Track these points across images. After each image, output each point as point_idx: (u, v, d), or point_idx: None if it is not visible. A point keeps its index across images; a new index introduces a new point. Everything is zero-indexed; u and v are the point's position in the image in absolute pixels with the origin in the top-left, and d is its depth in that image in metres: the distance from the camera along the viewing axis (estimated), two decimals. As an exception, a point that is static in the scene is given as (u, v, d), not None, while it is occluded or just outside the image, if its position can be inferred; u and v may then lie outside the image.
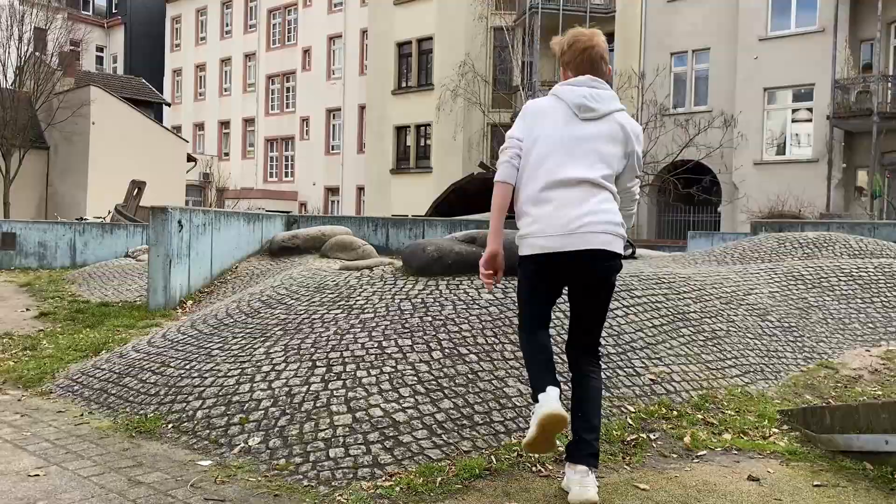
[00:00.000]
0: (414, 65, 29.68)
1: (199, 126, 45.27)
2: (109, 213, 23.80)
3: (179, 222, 5.87)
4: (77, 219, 25.11)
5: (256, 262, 7.24)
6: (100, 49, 50.93)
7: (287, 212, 20.31)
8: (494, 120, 27.36)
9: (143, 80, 33.82)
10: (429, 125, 28.95)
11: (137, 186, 19.79)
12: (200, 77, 45.24)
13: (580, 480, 2.69)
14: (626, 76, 24.43)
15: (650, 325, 4.28)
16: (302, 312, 3.98)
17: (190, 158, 31.04)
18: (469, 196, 16.92)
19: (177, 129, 46.25)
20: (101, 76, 33.01)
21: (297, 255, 7.27)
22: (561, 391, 2.73)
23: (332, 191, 38.29)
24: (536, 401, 2.73)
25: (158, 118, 42.32)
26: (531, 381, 2.83)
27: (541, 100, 2.98)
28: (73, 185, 27.74)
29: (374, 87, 31.22)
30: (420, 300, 3.92)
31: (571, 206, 2.77)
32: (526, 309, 2.93)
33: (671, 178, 23.05)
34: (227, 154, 43.17)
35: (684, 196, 23.65)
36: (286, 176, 40.69)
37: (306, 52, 39.34)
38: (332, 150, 38.37)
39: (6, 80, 27.05)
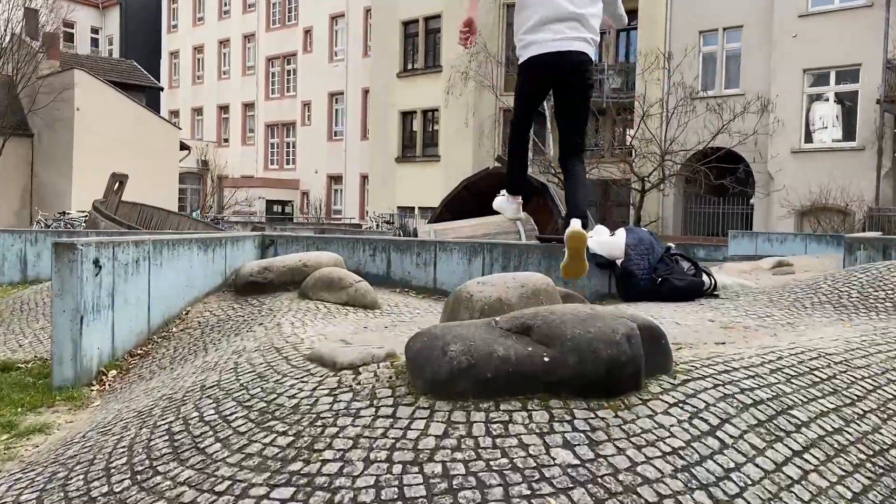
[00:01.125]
0: (421, 45, 27.75)
1: (198, 111, 43.44)
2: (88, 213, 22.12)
3: (96, 262, 4.10)
4: (59, 213, 23.43)
5: (216, 304, 5.46)
6: (94, 31, 49.05)
7: (261, 228, 18.55)
8: (508, 104, 25.41)
9: (135, 63, 31.99)
10: (436, 110, 27.07)
11: (118, 180, 18.06)
12: (198, 60, 43.36)
13: (574, 225, 4.12)
14: (651, 56, 22.47)
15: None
16: (223, 485, 2.22)
17: (183, 146, 29.25)
18: (484, 193, 15.10)
19: (174, 114, 44.50)
20: (88, 59, 31.18)
21: (271, 294, 5.50)
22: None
23: (335, 179, 36.49)
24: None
25: (154, 103, 40.57)
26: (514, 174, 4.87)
27: None
28: (57, 175, 26.02)
29: (378, 70, 29.31)
30: (439, 467, 2.15)
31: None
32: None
33: (702, 168, 21.15)
34: (226, 140, 41.36)
35: (715, 187, 21.76)
36: (287, 163, 38.89)
37: (307, 32, 37.42)
38: (335, 136, 36.54)
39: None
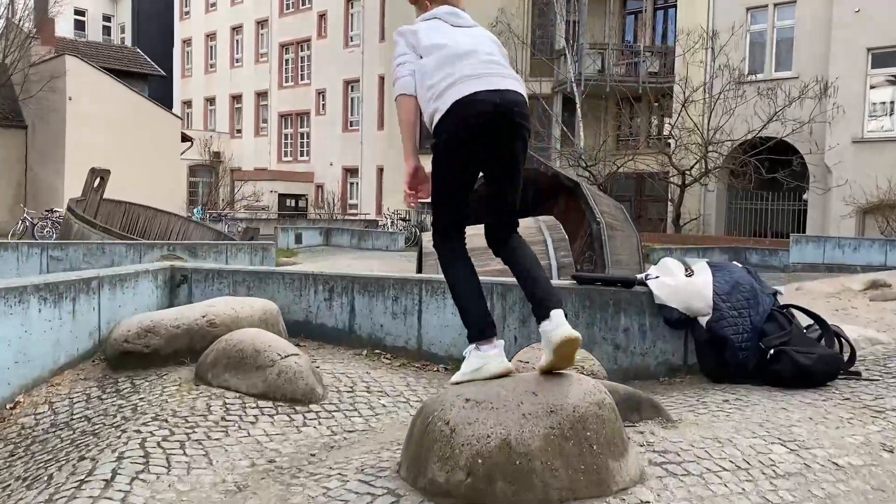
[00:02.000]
0: (439, 27, 25.59)
1: (210, 101, 41.74)
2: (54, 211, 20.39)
3: None
4: (47, 210, 21.77)
5: (69, 388, 3.53)
6: (107, 19, 47.64)
7: (254, 231, 16.54)
8: (533, 90, 23.22)
9: (138, 50, 30.25)
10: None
11: (99, 175, 16.22)
12: (211, 47, 41.63)
13: (560, 322, 2.45)
14: (694, 36, 20.15)
15: None
16: None
17: (186, 138, 27.46)
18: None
19: (188, 105, 42.85)
20: (87, 45, 29.50)
21: (156, 370, 3.56)
22: None
23: (351, 171, 34.57)
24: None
25: (167, 94, 38.94)
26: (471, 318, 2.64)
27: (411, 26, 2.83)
28: (50, 169, 24.38)
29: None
30: None
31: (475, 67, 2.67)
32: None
33: (751, 160, 18.84)
34: (238, 131, 39.60)
35: (763, 182, 19.44)
36: (301, 155, 37.04)
37: (321, 16, 35.46)
38: (351, 126, 34.60)
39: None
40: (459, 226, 2.77)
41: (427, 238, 10.22)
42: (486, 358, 2.53)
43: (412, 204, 2.91)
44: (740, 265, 3.96)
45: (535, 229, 9.84)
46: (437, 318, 4.12)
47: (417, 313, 4.15)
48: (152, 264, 4.40)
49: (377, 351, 4.19)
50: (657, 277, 3.83)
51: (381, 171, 32.46)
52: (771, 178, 18.90)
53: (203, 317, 3.67)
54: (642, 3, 23.54)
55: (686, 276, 3.82)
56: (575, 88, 21.87)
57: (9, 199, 25.21)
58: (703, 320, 3.62)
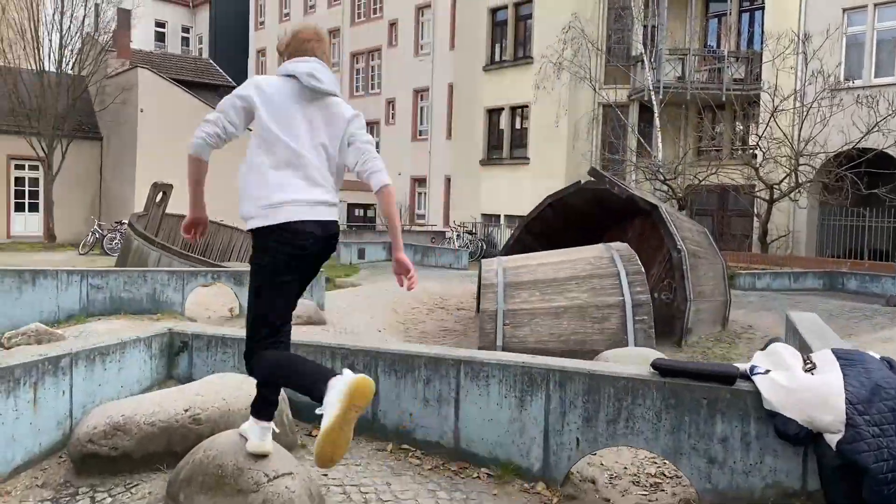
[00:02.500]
0: (510, 34, 24.74)
1: (282, 110, 41.99)
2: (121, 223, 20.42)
3: None
4: (116, 222, 21.97)
5: (20, 493, 2.84)
6: (185, 30, 48.74)
7: (215, 279, 16.04)
8: (607, 99, 22.12)
9: (211, 62, 30.54)
10: (526, 107, 24.03)
11: (161, 190, 16.10)
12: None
13: (263, 434, 2.68)
14: (784, 40, 18.70)
15: None
16: None
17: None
18: (573, 212, 12.09)
19: (260, 114, 43.08)
20: (160, 56, 29.91)
21: (124, 479, 2.86)
22: None
23: (419, 182, 34.06)
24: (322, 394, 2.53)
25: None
26: (310, 378, 2.62)
27: (262, 80, 2.94)
28: (122, 181, 24.70)
29: (463, 63, 26.55)
30: None
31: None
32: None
33: (848, 174, 17.26)
34: (309, 140, 39.65)
35: (863, 198, 17.81)
36: (370, 164, 36.72)
37: (392, 25, 35.15)
38: (420, 135, 34.10)
39: (50, 62, 24.12)
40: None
41: (487, 267, 9.41)
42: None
43: (191, 239, 3.00)
44: (878, 356, 2.99)
45: (606, 259, 8.86)
46: (478, 410, 3.32)
47: (454, 402, 3.35)
48: (146, 331, 3.74)
49: (404, 446, 3.41)
50: (766, 372, 2.91)
51: (448, 181, 31.85)
52: (870, 193, 17.29)
53: (186, 411, 2.97)
54: (727, 6, 22.10)
55: (805, 370, 2.89)
56: (653, 96, 20.65)
57: (85, 210, 25.70)
58: (832, 439, 2.69)
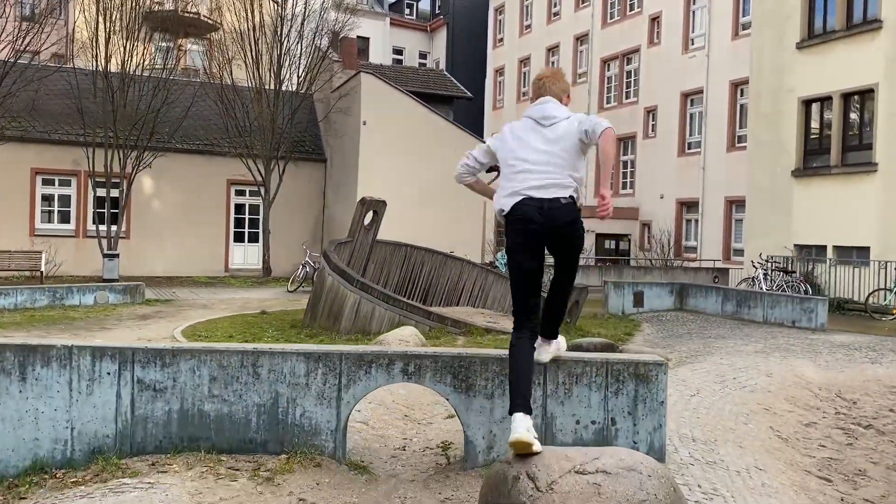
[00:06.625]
0: (838, -3, 17.92)
1: (522, 131, 37.69)
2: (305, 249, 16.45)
3: None
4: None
5: None
6: (423, 56, 46.76)
7: (409, 374, 10.55)
8: None
9: (445, 73, 26.86)
10: (869, 92, 16.98)
11: (371, 209, 11.78)
12: (524, 74, 37.72)
13: (541, 346, 4.07)
14: None
15: None
16: None
17: (493, 169, 22.97)
18: None
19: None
20: (389, 69, 26.74)
21: None
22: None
23: (688, 206, 27.63)
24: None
25: (478, 126, 35.77)
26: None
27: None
28: (343, 203, 21.38)
29: (762, 46, 20.04)
30: None
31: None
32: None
33: None
34: (552, 162, 34.80)
35: None
36: (624, 187, 31.01)
37: (654, 20, 29.41)
38: (689, 148, 27.76)
39: (270, 78, 21.54)
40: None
41: None
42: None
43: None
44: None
45: None
46: None
47: None
48: None
49: None
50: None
51: (731, 203, 25.09)
52: None
53: None
54: None
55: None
56: None
57: (306, 236, 22.83)
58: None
